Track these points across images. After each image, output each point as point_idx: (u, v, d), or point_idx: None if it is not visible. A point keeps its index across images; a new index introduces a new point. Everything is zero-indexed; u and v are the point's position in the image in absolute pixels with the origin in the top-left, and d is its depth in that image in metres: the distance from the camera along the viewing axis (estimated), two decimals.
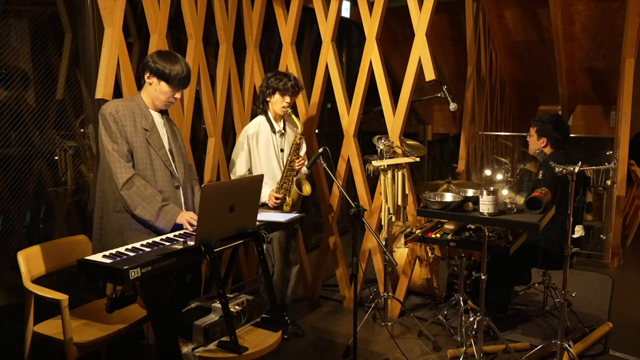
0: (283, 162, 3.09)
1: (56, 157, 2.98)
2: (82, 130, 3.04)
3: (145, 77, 2.26)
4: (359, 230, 2.47)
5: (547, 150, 3.21)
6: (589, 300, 3.79)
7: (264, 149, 3.06)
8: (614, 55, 5.63)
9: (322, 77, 3.56)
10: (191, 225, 2.22)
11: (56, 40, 2.95)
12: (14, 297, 2.75)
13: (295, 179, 3.04)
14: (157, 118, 2.34)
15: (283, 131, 3.11)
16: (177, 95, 2.31)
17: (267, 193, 3.00)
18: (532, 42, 6.00)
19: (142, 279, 1.85)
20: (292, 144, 3.06)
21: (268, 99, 3.06)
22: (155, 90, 2.26)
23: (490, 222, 2.59)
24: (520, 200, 2.70)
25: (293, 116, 3.04)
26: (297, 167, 3.04)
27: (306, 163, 3.10)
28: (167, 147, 2.34)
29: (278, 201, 2.98)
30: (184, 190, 2.38)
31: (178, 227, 2.25)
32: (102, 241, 2.25)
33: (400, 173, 3.10)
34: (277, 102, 3.02)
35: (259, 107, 3.12)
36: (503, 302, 3.29)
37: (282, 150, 3.10)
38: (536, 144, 3.23)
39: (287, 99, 3.01)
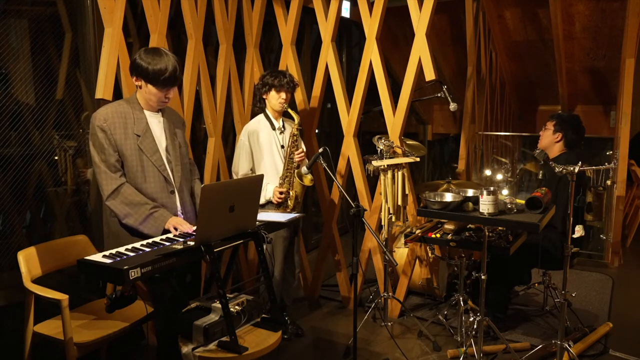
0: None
1: (56, 157, 2.98)
2: (81, 130, 3.04)
3: (134, 80, 2.23)
4: (359, 230, 2.47)
5: (559, 147, 3.21)
6: (589, 300, 3.79)
7: (265, 146, 3.06)
8: (614, 55, 5.62)
9: (322, 77, 3.56)
10: (176, 229, 2.18)
11: (56, 40, 2.95)
12: (14, 297, 2.75)
13: (296, 171, 3.04)
14: (153, 119, 2.31)
15: (283, 128, 3.12)
16: (169, 95, 2.27)
17: (272, 190, 3.00)
18: (532, 42, 5.99)
19: (142, 279, 1.85)
20: (290, 135, 3.05)
21: (264, 97, 3.08)
22: (146, 92, 2.23)
23: (490, 222, 2.59)
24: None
25: (289, 109, 3.04)
26: (297, 160, 3.03)
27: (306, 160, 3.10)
28: (163, 150, 2.30)
29: (282, 196, 2.97)
30: (181, 194, 2.35)
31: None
32: (107, 242, 2.28)
33: (400, 173, 3.10)
34: (273, 98, 3.04)
35: (256, 105, 3.14)
36: (503, 302, 3.29)
37: (283, 147, 3.10)
38: (550, 137, 3.22)
39: (283, 95, 3.03)
